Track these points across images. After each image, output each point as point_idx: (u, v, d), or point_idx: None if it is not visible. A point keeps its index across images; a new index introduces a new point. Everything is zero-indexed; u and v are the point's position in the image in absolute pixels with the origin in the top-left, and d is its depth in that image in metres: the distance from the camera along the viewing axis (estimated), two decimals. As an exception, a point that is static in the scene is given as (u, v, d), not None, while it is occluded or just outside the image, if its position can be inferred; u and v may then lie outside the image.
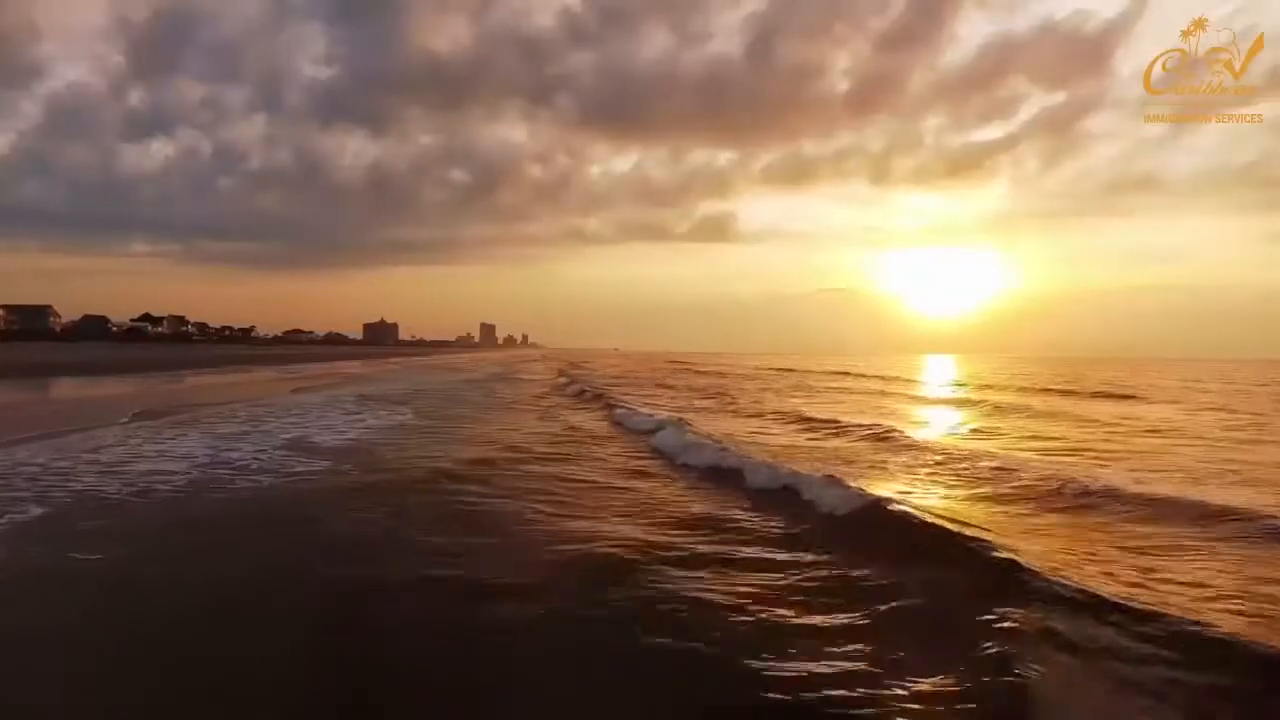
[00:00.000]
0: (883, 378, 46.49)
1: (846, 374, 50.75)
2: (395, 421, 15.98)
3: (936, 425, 17.32)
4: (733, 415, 18.81)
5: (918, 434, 14.16)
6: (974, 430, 15.98)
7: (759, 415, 18.51)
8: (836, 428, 15.06)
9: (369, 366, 56.72)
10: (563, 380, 32.77)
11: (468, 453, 11.36)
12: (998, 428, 16.26)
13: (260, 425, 14.60)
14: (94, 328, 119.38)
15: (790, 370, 58.87)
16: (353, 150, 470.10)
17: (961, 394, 29.40)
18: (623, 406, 19.00)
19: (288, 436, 12.92)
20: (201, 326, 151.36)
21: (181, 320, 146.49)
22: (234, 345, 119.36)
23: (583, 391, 25.38)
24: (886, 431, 14.00)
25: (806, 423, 16.29)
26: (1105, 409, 22.39)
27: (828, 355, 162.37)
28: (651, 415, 16.10)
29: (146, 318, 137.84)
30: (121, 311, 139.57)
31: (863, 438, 13.60)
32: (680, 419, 14.73)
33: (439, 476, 9.23)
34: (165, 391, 25.79)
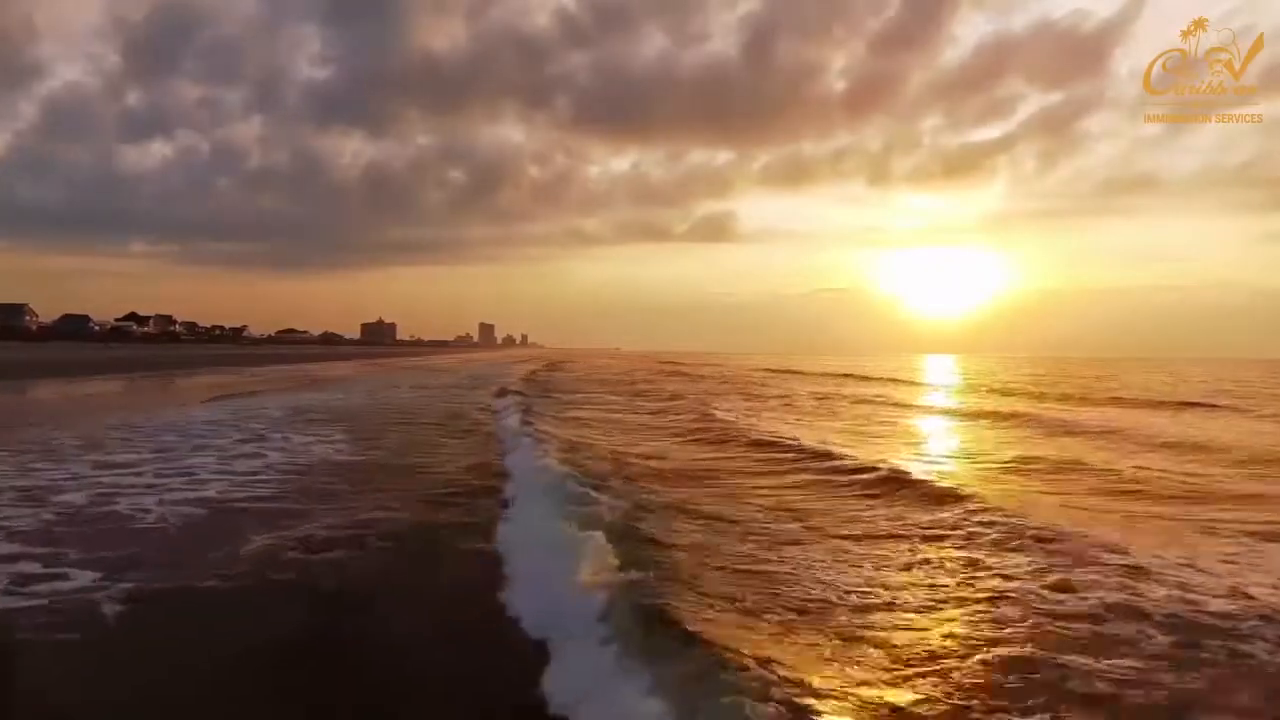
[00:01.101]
0: (895, 381, 42.77)
1: (852, 376, 47.24)
2: (301, 461, 11.88)
3: (1029, 482, 10.60)
4: (714, 444, 15.15)
5: (1009, 503, 8.35)
6: (1100, 472, 11.12)
7: (752, 443, 14.38)
8: (867, 481, 10.53)
9: (350, 368, 53.73)
10: (523, 386, 29.39)
11: (329, 523, 7.82)
12: (1125, 472, 11.09)
13: (58, 470, 10.31)
14: (73, 327, 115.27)
15: (793, 372, 55.46)
16: (351, 150, 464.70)
17: (1010, 406, 24.75)
18: (538, 434, 14.26)
19: (85, 497, 8.62)
20: (191, 326, 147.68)
21: (169, 319, 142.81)
22: (222, 345, 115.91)
23: (512, 406, 21.00)
24: (954, 491, 8.84)
25: (821, 463, 11.84)
26: (1230, 428, 18.41)
27: (829, 356, 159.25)
28: (544, 458, 11.08)
29: (132, 316, 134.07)
30: (119, 311, 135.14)
31: (919, 506, 8.54)
32: (608, 476, 10.34)
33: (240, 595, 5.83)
34: (23, 401, 21.87)
